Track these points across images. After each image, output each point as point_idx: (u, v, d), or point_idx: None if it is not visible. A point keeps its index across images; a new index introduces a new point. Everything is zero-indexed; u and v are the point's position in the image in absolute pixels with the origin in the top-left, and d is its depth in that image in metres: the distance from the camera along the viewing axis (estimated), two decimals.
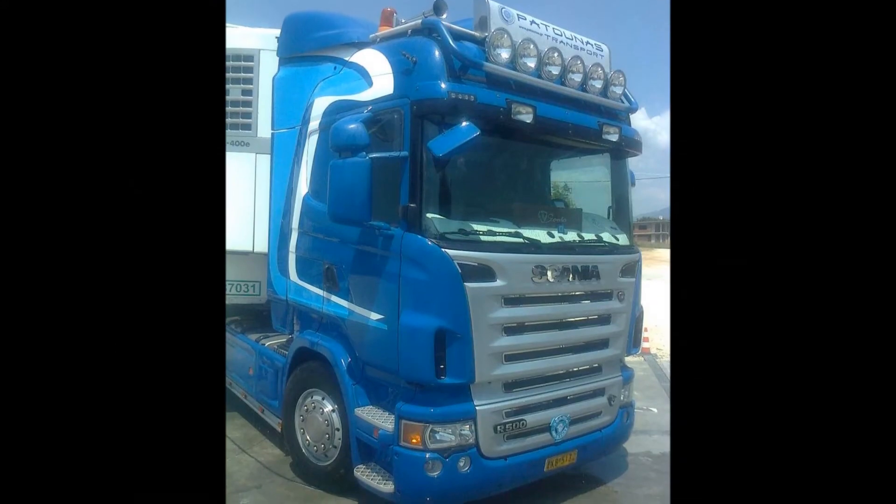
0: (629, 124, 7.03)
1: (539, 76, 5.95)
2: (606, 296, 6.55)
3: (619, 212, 7.29)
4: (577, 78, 6.26)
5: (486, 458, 5.70)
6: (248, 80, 8.30)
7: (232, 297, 8.58)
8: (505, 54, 5.69)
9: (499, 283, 5.55)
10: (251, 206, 8.14)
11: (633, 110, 7.09)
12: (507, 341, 5.70)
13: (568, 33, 6.35)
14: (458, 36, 5.66)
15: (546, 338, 6.06)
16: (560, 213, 6.77)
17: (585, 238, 6.50)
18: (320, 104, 6.90)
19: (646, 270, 8.31)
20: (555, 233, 6.17)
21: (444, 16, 5.85)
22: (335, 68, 7.04)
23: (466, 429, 5.60)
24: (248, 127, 8.24)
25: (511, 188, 7.16)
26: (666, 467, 7.41)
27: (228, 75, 8.10)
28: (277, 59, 8.02)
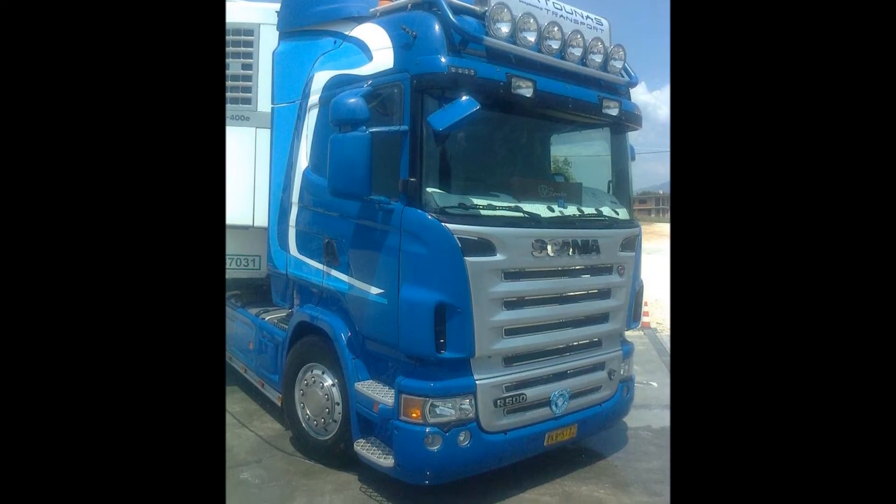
0: (629, 98, 7.00)
1: (539, 50, 5.91)
2: (606, 270, 6.55)
3: (619, 186, 7.28)
4: (577, 52, 6.22)
5: (485, 432, 5.73)
6: (248, 55, 8.26)
7: (232, 271, 8.59)
8: (505, 28, 5.66)
9: (499, 257, 5.55)
10: (251, 180, 8.14)
11: (633, 84, 7.06)
12: (507, 315, 5.71)
13: (568, 7, 6.31)
14: (457, 10, 5.62)
15: (546, 312, 6.07)
16: (560, 187, 6.75)
17: (585, 212, 6.49)
18: (320, 78, 6.87)
19: (646, 245, 8.32)
20: (555, 207, 6.16)
21: None
22: (335, 42, 6.98)
23: (466, 403, 5.61)
24: (248, 101, 8.22)
25: (511, 162, 7.14)
26: (666, 441, 7.48)
27: (228, 49, 8.05)
28: (277, 33, 7.98)
